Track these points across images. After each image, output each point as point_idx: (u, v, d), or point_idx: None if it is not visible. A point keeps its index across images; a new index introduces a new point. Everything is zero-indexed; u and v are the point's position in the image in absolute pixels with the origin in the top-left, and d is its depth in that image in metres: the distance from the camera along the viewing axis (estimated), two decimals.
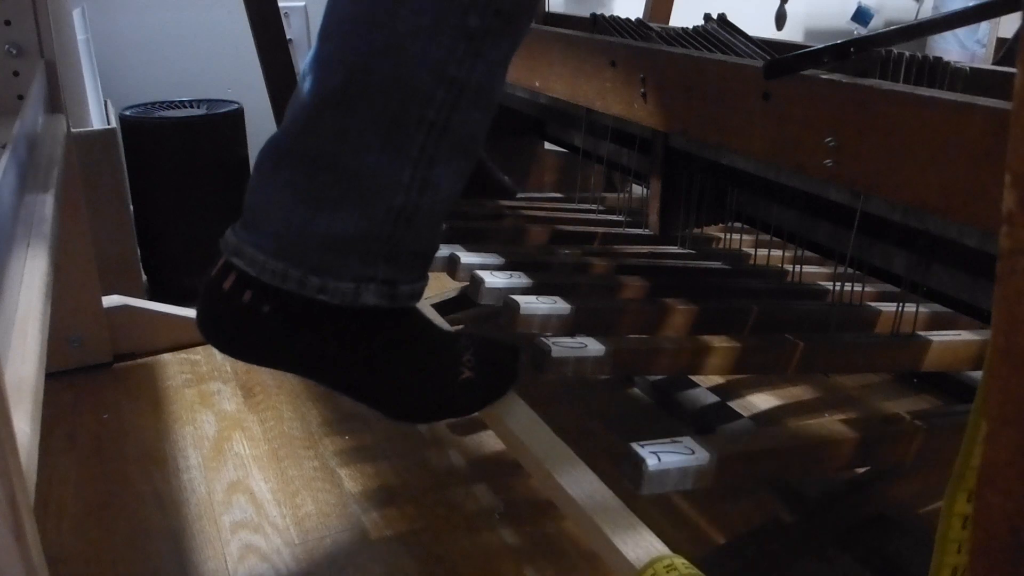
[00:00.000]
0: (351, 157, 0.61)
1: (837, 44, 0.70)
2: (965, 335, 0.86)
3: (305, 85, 0.63)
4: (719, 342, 0.78)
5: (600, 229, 1.10)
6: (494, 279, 0.86)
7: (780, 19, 1.00)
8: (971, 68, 0.78)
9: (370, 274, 0.64)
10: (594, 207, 1.21)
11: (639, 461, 0.58)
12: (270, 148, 0.65)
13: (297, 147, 0.63)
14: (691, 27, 1.03)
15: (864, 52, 0.70)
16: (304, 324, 0.65)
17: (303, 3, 1.72)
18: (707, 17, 1.05)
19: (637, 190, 1.17)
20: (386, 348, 0.67)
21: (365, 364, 0.67)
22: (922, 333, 0.85)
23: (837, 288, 0.93)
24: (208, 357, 1.25)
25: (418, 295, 0.68)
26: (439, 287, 1.28)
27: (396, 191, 0.62)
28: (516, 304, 0.79)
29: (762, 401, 1.11)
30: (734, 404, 1.07)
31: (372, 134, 0.61)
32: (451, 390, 0.70)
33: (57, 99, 1.09)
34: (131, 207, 1.39)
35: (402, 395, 0.69)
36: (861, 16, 2.11)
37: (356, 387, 0.69)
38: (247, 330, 0.66)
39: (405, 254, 0.65)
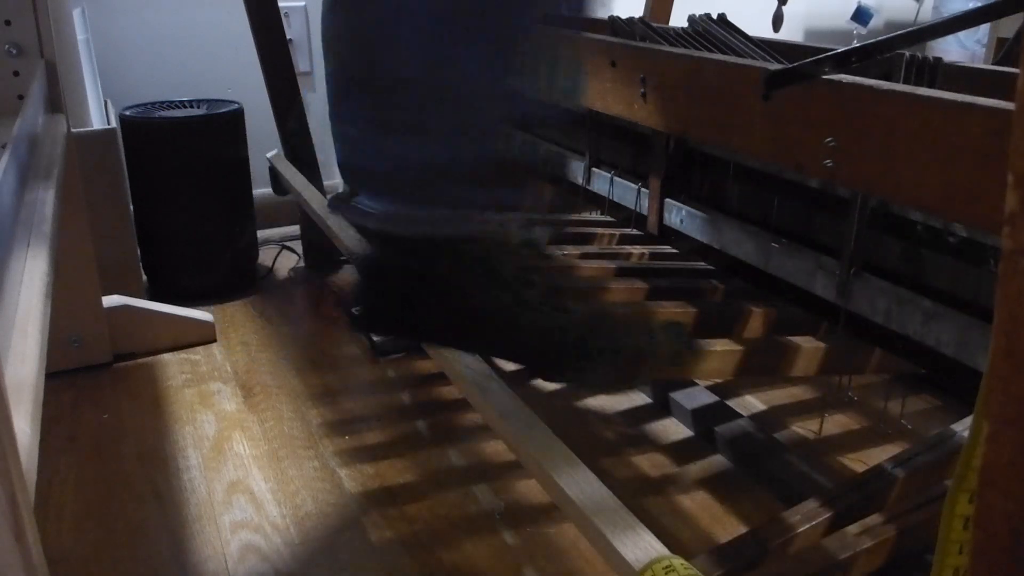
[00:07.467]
0: (462, 83, 0.58)
1: (838, 52, 0.70)
2: None
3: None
4: (720, 345, 0.78)
5: (599, 230, 1.10)
6: None
7: (777, 21, 1.00)
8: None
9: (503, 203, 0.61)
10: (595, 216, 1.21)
11: None
12: (365, 113, 0.61)
13: (402, 94, 0.59)
14: (690, 26, 1.03)
15: (866, 60, 0.70)
16: (461, 267, 0.62)
17: (303, 3, 1.72)
18: (706, 16, 1.04)
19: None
20: (523, 284, 0.65)
21: (513, 304, 0.64)
22: None
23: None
24: (208, 357, 1.25)
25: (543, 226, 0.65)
26: None
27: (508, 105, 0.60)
28: None
29: (762, 401, 1.11)
30: (733, 403, 1.07)
31: (477, 52, 0.58)
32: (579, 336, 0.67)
33: (57, 99, 1.08)
34: (131, 207, 1.39)
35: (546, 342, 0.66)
36: (861, 16, 2.11)
37: (505, 336, 0.66)
38: (408, 296, 0.63)
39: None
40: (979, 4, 0.69)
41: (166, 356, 1.26)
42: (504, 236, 0.63)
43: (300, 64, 1.73)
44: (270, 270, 1.58)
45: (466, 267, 0.63)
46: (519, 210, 0.63)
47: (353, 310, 0.68)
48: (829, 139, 0.68)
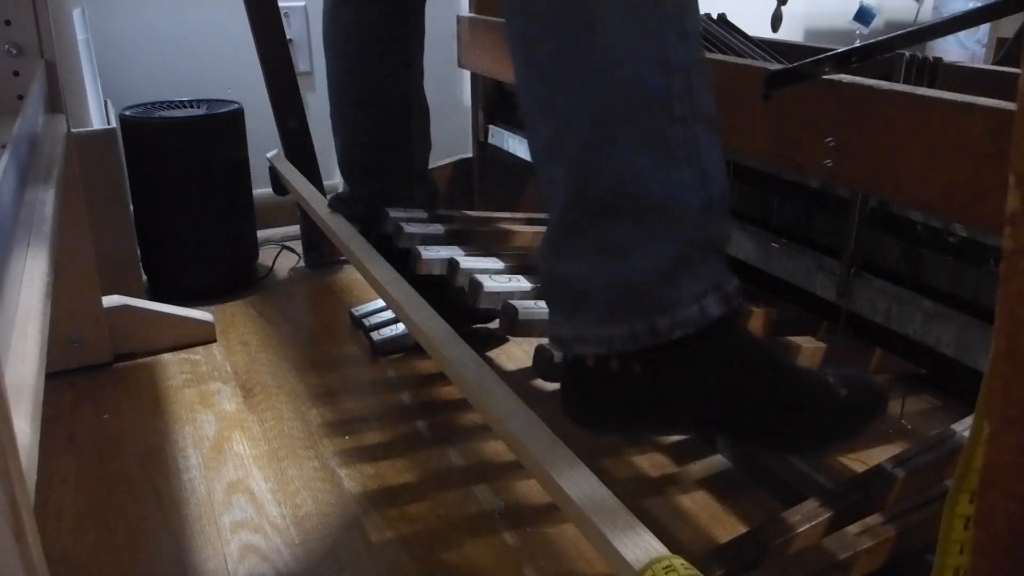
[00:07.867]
0: (638, 187, 0.59)
1: (838, 52, 0.70)
2: None
3: (552, 157, 0.61)
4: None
5: None
6: (493, 283, 0.86)
7: (776, 21, 1.00)
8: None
9: (702, 287, 0.61)
10: None
11: None
12: (556, 233, 0.62)
13: (584, 212, 0.60)
14: None
15: (866, 60, 0.70)
16: (669, 369, 0.63)
17: (303, 3, 1.72)
18: (706, 16, 1.04)
19: None
20: (754, 363, 0.65)
21: (747, 386, 0.64)
22: None
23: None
24: (208, 357, 1.25)
25: (740, 290, 0.65)
26: None
27: (689, 196, 0.60)
28: (514, 309, 0.79)
29: None
30: None
31: (645, 156, 0.58)
32: (832, 404, 0.67)
33: (57, 99, 1.08)
34: (131, 207, 1.39)
35: (786, 413, 0.66)
36: (863, 16, 2.11)
37: (743, 418, 0.65)
38: (619, 402, 0.65)
39: (713, 251, 0.62)
40: (979, 4, 0.69)
41: (166, 356, 1.26)
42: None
43: (300, 64, 1.73)
44: (270, 270, 1.58)
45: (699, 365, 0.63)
46: (722, 285, 0.63)
47: (573, 411, 0.68)
48: (829, 139, 0.68)
